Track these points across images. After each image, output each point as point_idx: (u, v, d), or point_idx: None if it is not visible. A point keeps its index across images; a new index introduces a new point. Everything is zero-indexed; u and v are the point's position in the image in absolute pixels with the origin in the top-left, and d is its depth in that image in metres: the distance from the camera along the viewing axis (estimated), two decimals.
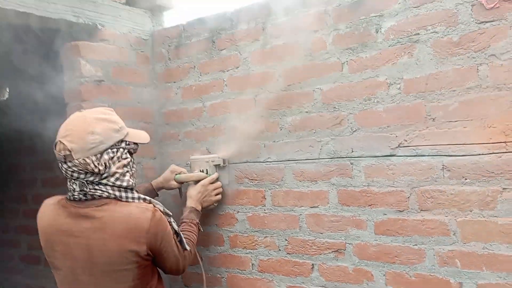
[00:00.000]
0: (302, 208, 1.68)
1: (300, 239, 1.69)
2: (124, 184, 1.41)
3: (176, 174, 1.82)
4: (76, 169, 1.35)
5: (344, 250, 1.60)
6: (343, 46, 1.58)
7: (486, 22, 1.32)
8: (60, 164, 1.38)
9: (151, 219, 1.37)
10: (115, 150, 1.41)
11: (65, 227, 1.40)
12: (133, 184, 1.45)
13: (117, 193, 1.40)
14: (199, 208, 1.74)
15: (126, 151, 1.45)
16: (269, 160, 1.76)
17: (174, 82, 2.03)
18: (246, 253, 1.83)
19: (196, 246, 1.68)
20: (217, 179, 1.82)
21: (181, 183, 1.83)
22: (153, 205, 1.43)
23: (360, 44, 1.54)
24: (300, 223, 1.69)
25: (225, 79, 1.88)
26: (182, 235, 1.50)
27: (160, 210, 1.44)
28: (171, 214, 1.48)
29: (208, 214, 1.90)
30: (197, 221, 1.70)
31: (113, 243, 1.35)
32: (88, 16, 1.82)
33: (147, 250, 1.38)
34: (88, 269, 1.39)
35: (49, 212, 1.46)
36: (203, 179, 1.78)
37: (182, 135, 2.02)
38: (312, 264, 1.67)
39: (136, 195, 1.44)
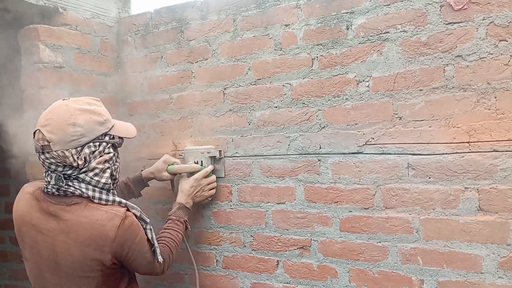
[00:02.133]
0: (269, 204, 1.67)
1: (265, 235, 1.68)
2: (102, 181, 1.32)
3: (168, 165, 1.71)
4: (54, 161, 1.28)
5: (310, 246, 1.59)
6: (314, 42, 1.56)
7: (454, 23, 1.34)
8: (38, 154, 1.30)
9: (118, 227, 1.27)
10: (97, 144, 1.33)
11: (34, 222, 1.33)
12: (111, 184, 1.36)
13: (90, 193, 1.30)
14: (190, 204, 1.65)
15: (109, 145, 1.36)
16: (236, 155, 1.73)
17: (140, 72, 1.96)
18: (211, 249, 1.79)
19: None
20: (211, 172, 1.72)
21: (173, 174, 1.71)
22: (126, 210, 1.32)
23: (331, 40, 1.53)
24: (266, 219, 1.67)
25: (193, 71, 1.83)
26: (156, 244, 1.39)
27: (135, 216, 1.35)
28: (148, 220, 1.38)
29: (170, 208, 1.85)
30: (185, 218, 1.60)
31: (76, 250, 1.28)
32: None
33: (112, 259, 1.29)
34: (52, 268, 1.32)
35: (23, 202, 1.38)
36: (197, 172, 1.67)
37: (147, 127, 1.95)
38: (277, 261, 1.66)
39: (110, 197, 1.34)
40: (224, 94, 1.76)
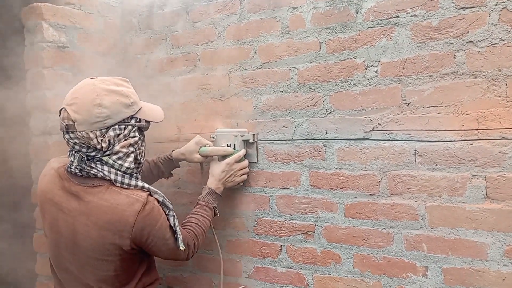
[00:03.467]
0: (273, 189, 1.66)
1: (269, 220, 1.67)
2: (126, 165, 1.28)
3: (201, 147, 1.63)
4: (78, 141, 1.25)
5: (314, 232, 1.59)
6: (322, 25, 1.54)
7: (466, 8, 1.31)
8: (62, 133, 1.28)
9: (138, 212, 1.24)
10: (122, 126, 1.28)
11: (56, 199, 1.31)
12: (134, 169, 1.32)
13: (112, 176, 1.27)
14: (221, 189, 1.59)
15: (135, 129, 1.32)
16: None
17: (144, 54, 1.94)
18: (214, 234, 1.79)
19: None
20: (244, 157, 1.65)
21: (205, 157, 1.64)
22: (147, 195, 1.29)
23: (339, 24, 1.51)
24: (271, 205, 1.67)
25: (198, 53, 1.81)
26: (178, 231, 1.34)
27: (158, 202, 1.31)
28: (170, 207, 1.33)
29: (176, 192, 1.84)
30: (214, 204, 1.55)
31: (95, 233, 1.26)
32: None
33: (131, 244, 1.27)
34: (71, 247, 1.31)
35: (48, 178, 1.36)
36: (229, 156, 1.61)
37: None
38: (281, 246, 1.66)
39: (133, 181, 1.30)
40: (229, 77, 1.74)
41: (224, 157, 1.61)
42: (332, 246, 1.55)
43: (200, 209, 1.53)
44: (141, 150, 1.36)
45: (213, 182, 1.58)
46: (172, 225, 1.33)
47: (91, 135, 1.23)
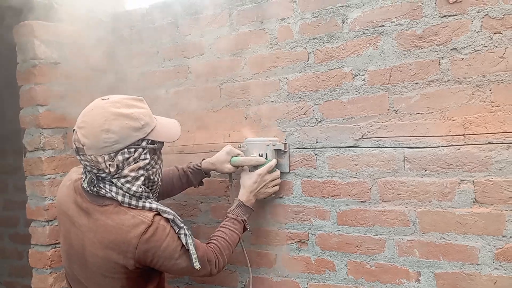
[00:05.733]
0: (266, 198, 1.67)
1: (263, 229, 1.68)
2: (133, 188, 1.26)
3: (232, 157, 1.58)
4: (88, 163, 1.25)
5: (307, 240, 1.60)
6: (310, 36, 1.56)
7: (449, 16, 1.34)
8: (74, 152, 1.29)
9: (142, 234, 1.23)
10: (132, 150, 1.26)
11: (70, 213, 1.33)
12: (143, 192, 1.29)
13: (120, 198, 1.26)
14: (252, 201, 1.54)
15: (146, 151, 1.29)
16: None
17: (137, 67, 1.96)
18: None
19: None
20: (275, 167, 1.59)
21: (236, 167, 1.59)
22: (154, 215, 1.27)
23: (326, 34, 1.53)
24: (264, 214, 1.68)
25: (189, 66, 1.83)
26: (191, 250, 1.29)
27: (167, 221, 1.29)
28: (181, 225, 1.30)
29: (171, 203, 1.85)
30: (244, 218, 1.50)
31: (101, 251, 1.26)
32: None
33: (135, 264, 1.26)
34: (80, 261, 1.32)
35: (64, 189, 1.37)
36: (261, 166, 1.56)
37: None
38: (275, 255, 1.66)
39: (140, 203, 1.28)
40: (220, 89, 1.76)
41: (255, 167, 1.57)
42: (326, 254, 1.56)
43: (228, 222, 1.49)
44: (154, 170, 1.34)
45: (244, 194, 1.53)
46: (185, 243, 1.29)
47: (100, 159, 1.23)
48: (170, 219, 1.30)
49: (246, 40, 1.69)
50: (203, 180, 1.69)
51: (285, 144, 1.60)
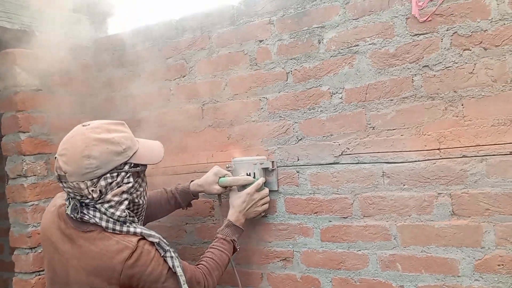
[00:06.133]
0: (256, 217, 1.68)
1: (249, 248, 1.69)
2: (117, 213, 1.26)
3: (220, 177, 1.59)
4: (71, 190, 1.25)
5: (292, 258, 1.61)
6: (288, 56, 1.60)
7: (420, 34, 1.38)
8: (57, 179, 1.29)
9: (126, 260, 1.22)
10: (115, 174, 1.26)
11: (53, 239, 1.32)
12: (127, 216, 1.28)
13: (103, 223, 1.26)
14: (242, 221, 1.54)
15: (129, 174, 1.29)
16: None
17: (119, 91, 1.98)
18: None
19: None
20: (263, 185, 1.60)
21: (224, 188, 1.60)
22: (138, 240, 1.26)
23: (304, 54, 1.57)
24: (249, 233, 1.68)
25: (171, 88, 1.85)
26: (179, 272, 1.28)
27: (152, 245, 1.28)
28: (167, 248, 1.29)
29: (156, 225, 1.85)
30: (233, 238, 1.50)
31: (84, 278, 1.25)
32: (24, 22, 1.73)
33: None
34: None
35: (49, 215, 1.36)
36: (250, 185, 1.57)
37: None
38: (261, 274, 1.67)
39: (124, 228, 1.27)
40: (202, 110, 1.78)
41: (244, 187, 1.57)
42: (311, 271, 1.57)
43: (217, 243, 1.48)
44: (139, 193, 1.34)
45: (234, 214, 1.54)
46: (171, 266, 1.28)
47: (82, 185, 1.23)
48: (156, 242, 1.29)
49: (226, 62, 1.72)
50: (192, 202, 1.69)
51: (272, 162, 1.61)
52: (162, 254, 1.29)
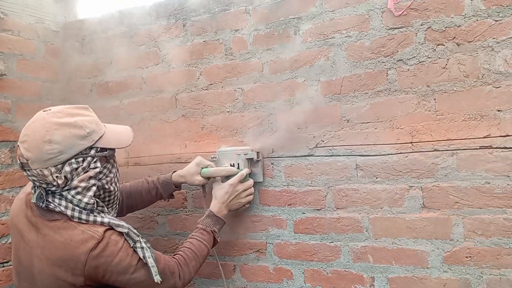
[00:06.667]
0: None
1: (222, 240, 1.67)
2: (85, 200, 1.21)
3: (202, 168, 1.56)
4: (35, 178, 1.19)
5: (265, 249, 1.60)
6: (264, 47, 1.58)
7: (395, 28, 1.39)
8: (20, 168, 1.22)
9: (91, 250, 1.17)
10: (80, 159, 1.21)
11: (20, 227, 1.26)
12: (95, 204, 1.23)
13: (69, 212, 1.20)
14: (224, 212, 1.50)
15: (96, 159, 1.24)
16: (190, 160, 1.71)
17: (89, 78, 1.91)
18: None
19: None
20: (248, 176, 1.57)
21: (207, 178, 1.56)
22: (105, 230, 1.21)
23: (280, 45, 1.55)
24: None
25: (144, 76, 1.80)
26: (150, 263, 1.24)
27: (120, 235, 1.23)
28: (137, 238, 1.24)
29: (126, 216, 1.81)
30: (214, 228, 1.46)
31: (48, 268, 1.20)
32: None
33: (85, 281, 1.20)
34: (29, 279, 1.25)
35: (18, 202, 1.30)
36: (234, 175, 1.54)
37: None
38: (234, 265, 1.66)
39: (91, 217, 1.22)
40: (176, 99, 1.74)
41: (227, 177, 1.54)
42: (284, 263, 1.57)
43: (197, 233, 1.45)
44: (109, 179, 1.29)
45: (216, 205, 1.51)
46: (142, 257, 1.24)
47: (46, 172, 1.18)
48: (125, 232, 1.25)
49: (201, 51, 1.69)
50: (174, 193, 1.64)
51: (257, 152, 1.58)
52: (132, 245, 1.25)
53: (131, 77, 1.82)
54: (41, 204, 1.22)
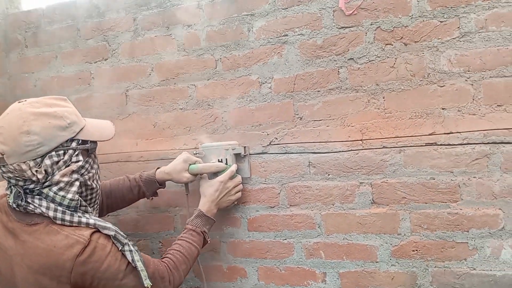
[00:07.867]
0: (177, 208, 1.63)
1: (174, 240, 1.63)
2: (69, 196, 1.12)
3: (190, 164, 1.48)
4: (11, 175, 1.09)
5: (219, 248, 1.58)
6: (217, 43, 1.56)
7: (346, 27, 1.41)
8: None
9: (77, 256, 1.08)
10: (61, 152, 1.12)
11: None
12: (79, 200, 1.15)
13: (51, 213, 1.11)
14: (214, 211, 1.43)
15: (77, 152, 1.15)
16: (141, 159, 1.67)
17: (33, 72, 1.81)
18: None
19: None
20: (236, 173, 1.51)
21: (195, 175, 1.49)
22: (91, 234, 1.12)
23: (233, 42, 1.54)
24: (175, 224, 1.63)
25: (92, 72, 1.73)
26: (140, 267, 1.16)
27: (107, 238, 1.14)
28: (124, 242, 1.16)
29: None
30: (204, 229, 1.39)
31: (31, 277, 1.10)
32: None
33: None
34: (12, 287, 1.14)
35: None
36: (222, 172, 1.47)
37: None
38: None
39: (75, 218, 1.13)
40: (126, 96, 1.69)
41: (215, 174, 1.48)
42: (238, 261, 1.56)
43: (186, 234, 1.37)
44: (91, 174, 1.20)
45: (205, 203, 1.43)
46: (131, 261, 1.16)
47: (24, 166, 1.08)
48: (112, 235, 1.16)
49: (153, 46, 1.64)
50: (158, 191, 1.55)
51: (244, 147, 1.53)
52: (120, 248, 1.16)
53: (79, 72, 1.74)
54: (20, 202, 1.12)
